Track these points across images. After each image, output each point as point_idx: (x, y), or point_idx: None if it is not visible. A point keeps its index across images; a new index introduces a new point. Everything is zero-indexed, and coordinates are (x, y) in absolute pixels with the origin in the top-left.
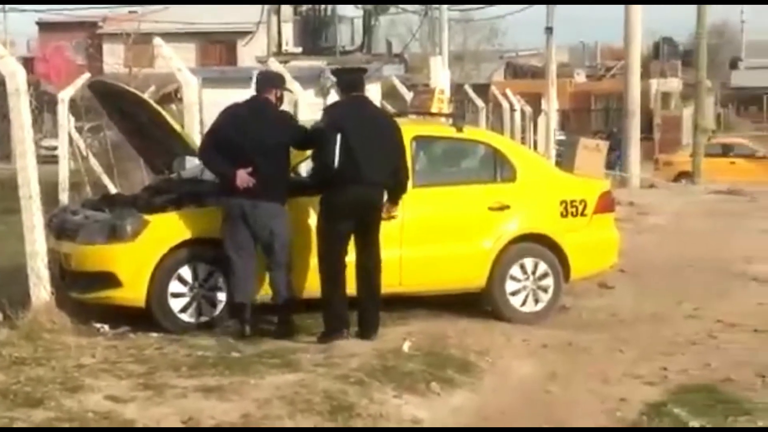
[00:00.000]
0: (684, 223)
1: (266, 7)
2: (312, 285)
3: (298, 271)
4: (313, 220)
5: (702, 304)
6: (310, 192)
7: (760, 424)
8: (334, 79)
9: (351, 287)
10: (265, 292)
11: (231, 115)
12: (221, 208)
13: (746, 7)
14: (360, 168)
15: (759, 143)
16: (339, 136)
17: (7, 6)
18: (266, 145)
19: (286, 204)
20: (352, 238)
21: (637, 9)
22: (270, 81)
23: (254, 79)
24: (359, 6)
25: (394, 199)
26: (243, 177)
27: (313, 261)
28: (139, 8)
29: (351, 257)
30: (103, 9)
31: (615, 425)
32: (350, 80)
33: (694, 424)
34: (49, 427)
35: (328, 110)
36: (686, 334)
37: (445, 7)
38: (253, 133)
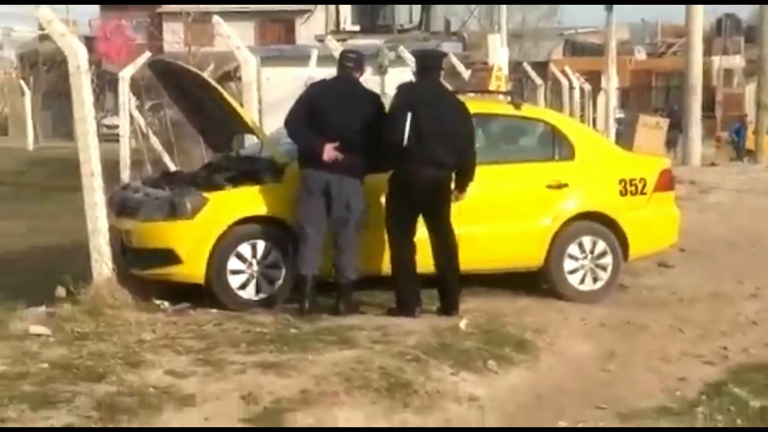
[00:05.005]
0: (745, 201)
1: None
2: (373, 263)
3: (361, 249)
4: (378, 198)
5: (763, 283)
6: (379, 170)
7: None
8: (391, 56)
9: (429, 265)
10: (327, 271)
11: (322, 90)
12: (301, 179)
13: None
14: (428, 148)
15: None
16: (410, 115)
17: None
18: (355, 122)
19: (363, 182)
20: (425, 218)
21: None
22: (362, 62)
23: (344, 58)
24: None
25: (461, 186)
26: (330, 151)
27: (377, 239)
28: None
29: (422, 234)
30: None
31: (674, 404)
32: (427, 62)
33: (755, 403)
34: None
35: (401, 89)
36: (747, 313)
37: None
38: (343, 109)
